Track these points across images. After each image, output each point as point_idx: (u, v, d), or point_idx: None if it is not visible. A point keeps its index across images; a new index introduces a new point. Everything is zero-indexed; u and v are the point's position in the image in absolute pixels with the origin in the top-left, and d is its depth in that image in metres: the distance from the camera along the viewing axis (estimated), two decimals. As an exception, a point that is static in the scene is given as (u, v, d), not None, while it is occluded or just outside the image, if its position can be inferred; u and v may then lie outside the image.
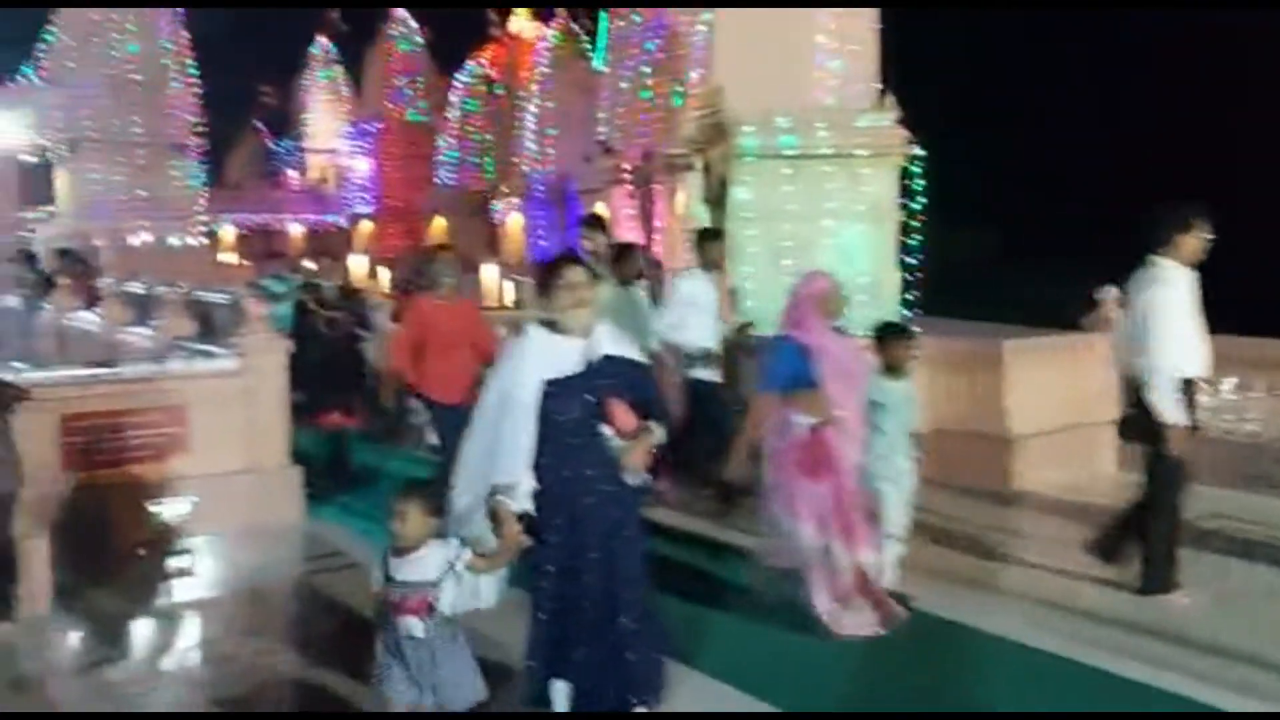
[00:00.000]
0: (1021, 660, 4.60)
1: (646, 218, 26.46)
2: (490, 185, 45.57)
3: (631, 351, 3.72)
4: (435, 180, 48.24)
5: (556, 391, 3.53)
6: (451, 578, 3.44)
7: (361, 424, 8.40)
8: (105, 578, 5.74)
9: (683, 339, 6.95)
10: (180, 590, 5.63)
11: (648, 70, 32.09)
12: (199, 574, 5.79)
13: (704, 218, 16.25)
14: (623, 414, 3.60)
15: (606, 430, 3.59)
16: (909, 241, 17.70)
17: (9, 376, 5.44)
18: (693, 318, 6.91)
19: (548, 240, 38.15)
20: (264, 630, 5.18)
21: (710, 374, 7.05)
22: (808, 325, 4.88)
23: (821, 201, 17.53)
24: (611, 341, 3.65)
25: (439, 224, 47.64)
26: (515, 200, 41.94)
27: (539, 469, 3.54)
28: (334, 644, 4.87)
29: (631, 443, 3.59)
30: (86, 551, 5.79)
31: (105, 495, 6.08)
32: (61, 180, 35.53)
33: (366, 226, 50.70)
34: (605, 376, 3.60)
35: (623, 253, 7.30)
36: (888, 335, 5.30)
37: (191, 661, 4.89)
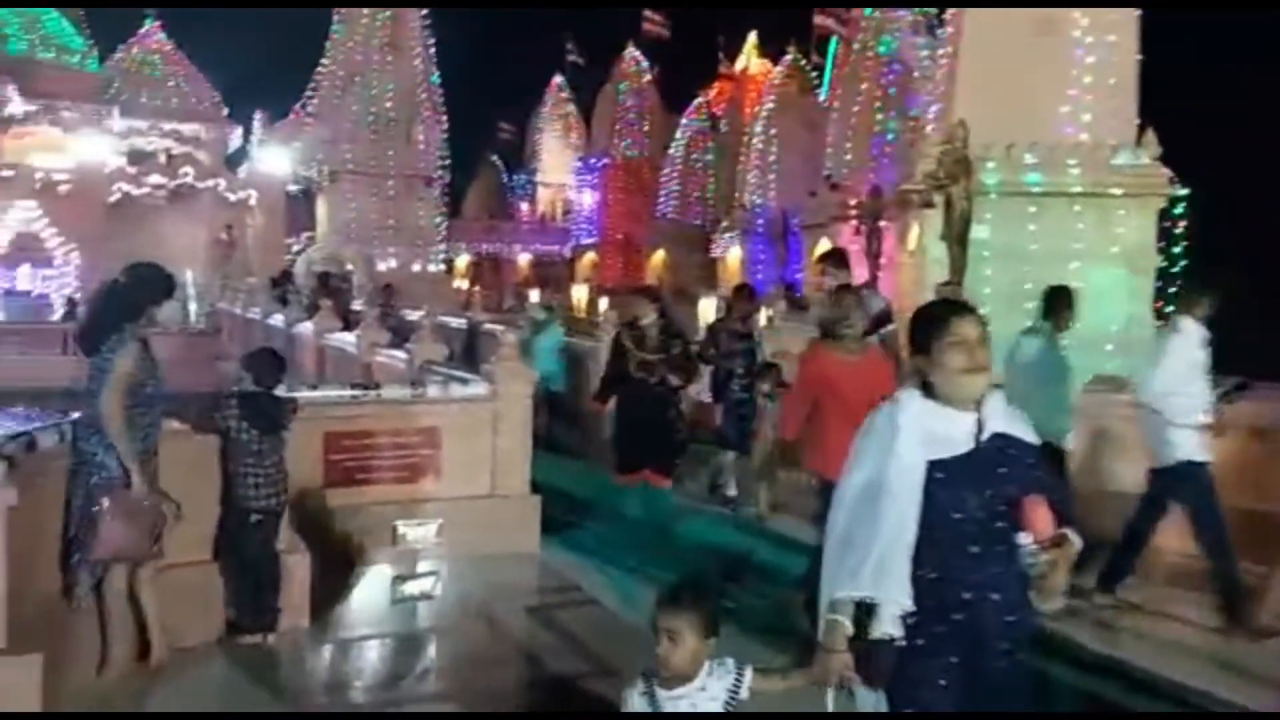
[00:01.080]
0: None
1: (873, 255, 25.82)
2: (711, 220, 45.99)
3: (1026, 430, 2.89)
4: (657, 214, 49.21)
5: (949, 479, 2.74)
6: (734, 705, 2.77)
7: (672, 483, 7.22)
8: (358, 594, 5.95)
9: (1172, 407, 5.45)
10: (423, 612, 5.74)
11: (879, 104, 31.54)
12: (440, 596, 5.89)
13: (940, 256, 15.63)
14: (1043, 516, 2.83)
15: (1023, 537, 2.83)
16: (1167, 289, 16.27)
17: (285, 394, 5.73)
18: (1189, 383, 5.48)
19: (766, 274, 37.97)
20: (498, 660, 5.18)
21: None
22: None
23: (1069, 242, 16.47)
24: (1004, 416, 2.85)
25: (658, 257, 48.47)
26: (735, 234, 42.09)
27: (919, 583, 2.70)
28: (561, 680, 4.81)
29: (1054, 556, 2.79)
30: (341, 567, 6.02)
31: (360, 513, 6.32)
32: (322, 209, 38.81)
33: (589, 258, 52.32)
34: (1006, 463, 2.79)
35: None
36: None
37: (429, 685, 4.95)
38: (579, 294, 45.88)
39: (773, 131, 40.83)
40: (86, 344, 4.56)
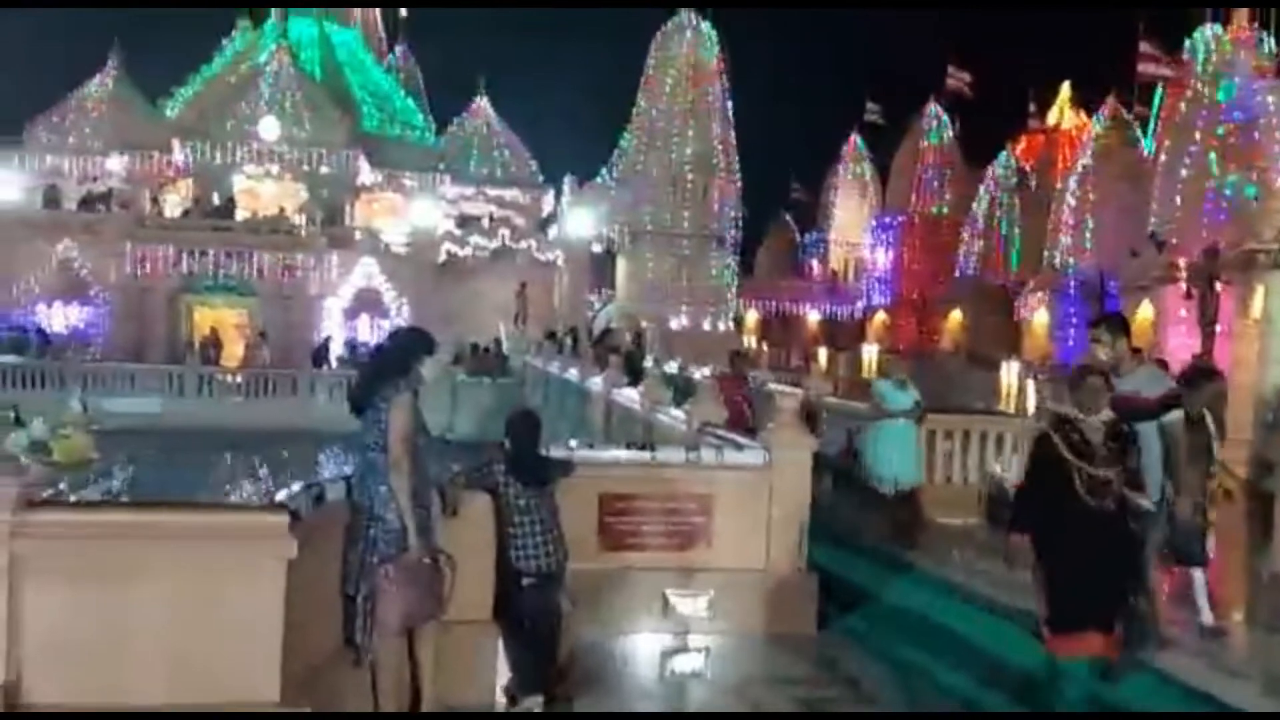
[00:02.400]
0: None
1: (1207, 322, 23.06)
2: (1015, 280, 43.40)
3: None
4: (956, 273, 47.17)
5: None
6: None
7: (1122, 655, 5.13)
8: (627, 665, 5.81)
9: None
10: (692, 692, 5.51)
11: (1215, 155, 28.49)
12: (709, 677, 5.63)
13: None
14: None
15: None
16: None
17: (563, 454, 5.76)
18: None
19: (1078, 340, 35.11)
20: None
21: None
22: None
23: None
24: None
25: (955, 318, 46.33)
26: (1043, 295, 39.38)
27: None
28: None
29: None
30: (613, 633, 5.92)
31: (631, 578, 6.22)
32: (621, 267, 40.54)
33: (880, 318, 50.94)
34: None
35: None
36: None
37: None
38: (869, 354, 44.67)
39: (1089, 186, 38.07)
40: (357, 401, 4.69)
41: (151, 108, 39.16)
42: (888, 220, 51.01)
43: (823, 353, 42.99)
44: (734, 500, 6.49)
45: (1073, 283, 37.41)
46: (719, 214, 40.71)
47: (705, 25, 40.24)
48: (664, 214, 39.55)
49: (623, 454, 6.55)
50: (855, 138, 55.27)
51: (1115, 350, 5.48)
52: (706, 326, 39.63)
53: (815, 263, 56.24)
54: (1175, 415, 5.51)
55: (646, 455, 6.50)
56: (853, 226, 54.25)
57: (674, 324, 38.35)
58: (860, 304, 52.13)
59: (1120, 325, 5.68)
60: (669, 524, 6.37)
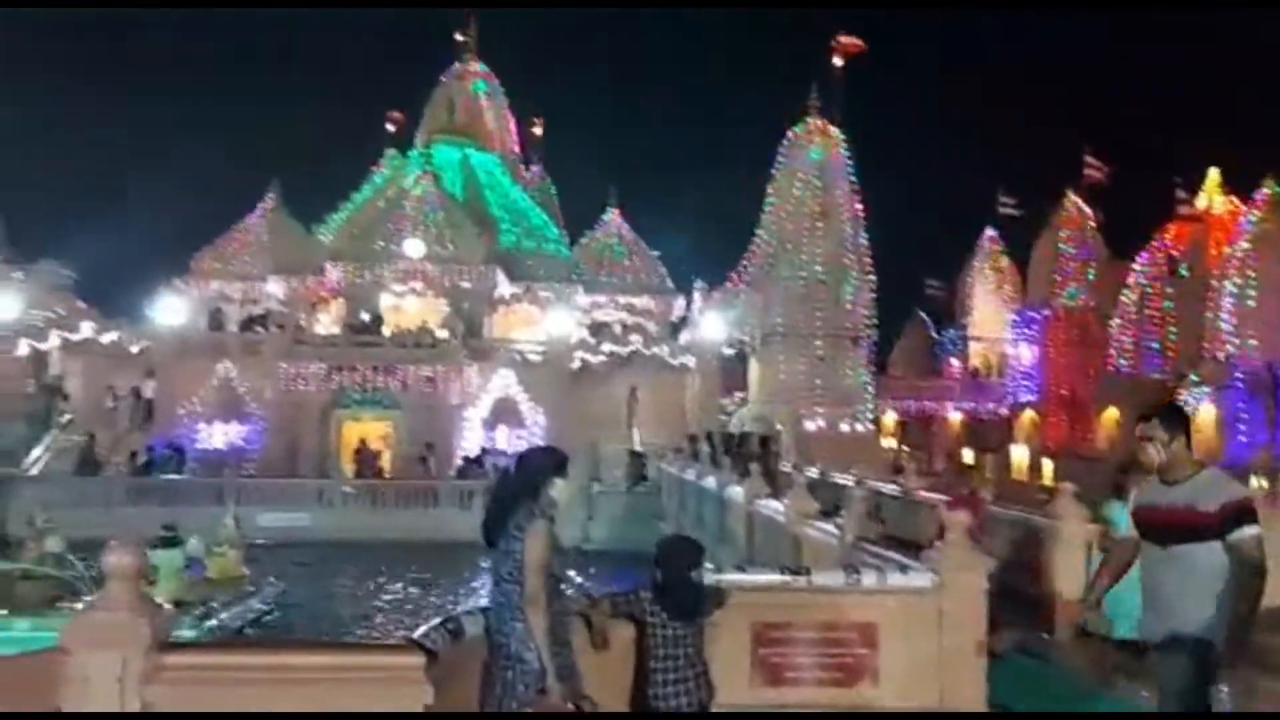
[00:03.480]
0: None
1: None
2: (1174, 373, 40.91)
3: None
4: (1108, 368, 44.86)
5: None
6: None
7: None
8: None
9: None
10: None
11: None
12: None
13: None
14: None
15: None
16: None
17: (711, 580, 5.35)
18: None
19: (1251, 435, 32.63)
20: None
21: None
22: None
23: None
24: None
25: (1111, 415, 43.83)
26: (1208, 390, 36.92)
27: None
28: None
29: None
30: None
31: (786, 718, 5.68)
32: (754, 370, 40.13)
33: (1029, 416, 48.69)
34: None
35: None
36: None
37: None
38: (1019, 455, 42.56)
39: (1250, 273, 35.96)
40: (491, 532, 4.38)
41: (306, 233, 41.62)
42: (1030, 314, 49.20)
43: (967, 454, 41.19)
44: (900, 629, 5.91)
45: (1239, 375, 35.01)
46: (852, 313, 40.04)
47: (834, 129, 40.39)
48: (796, 315, 39.15)
49: (776, 577, 6.07)
50: (990, 231, 54.04)
51: (1170, 451, 4.38)
52: (844, 428, 38.59)
53: (954, 360, 54.53)
54: (1251, 532, 4.15)
55: (803, 580, 6.01)
56: (992, 321, 52.55)
57: (810, 426, 37.50)
58: (1005, 402, 50.02)
59: (1178, 420, 4.52)
60: (829, 656, 5.82)
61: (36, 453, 29.17)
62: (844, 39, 40.68)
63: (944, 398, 51.59)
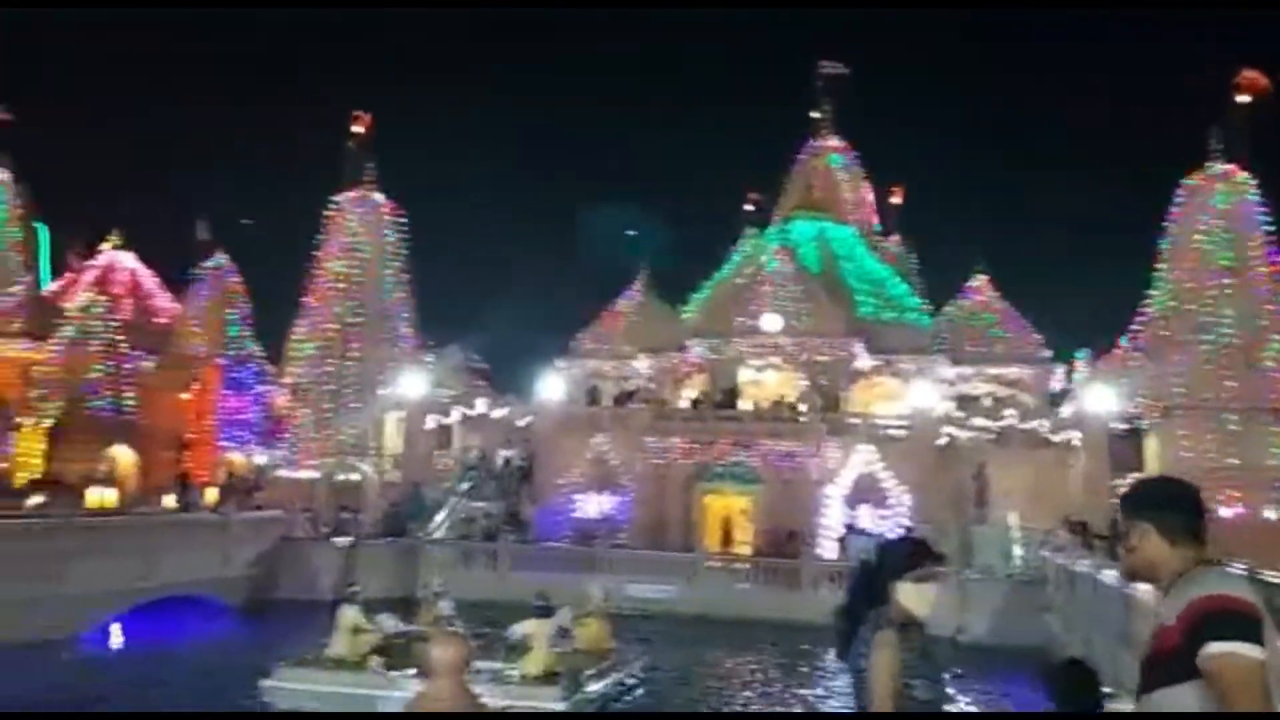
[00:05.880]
0: None
1: None
2: None
3: None
4: None
5: None
6: None
7: None
8: None
9: None
10: None
11: None
12: None
13: None
14: None
15: None
16: None
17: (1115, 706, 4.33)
18: None
19: None
20: None
21: None
22: None
23: None
24: None
25: None
26: None
27: None
28: None
29: None
30: None
31: None
32: (1150, 447, 35.69)
33: None
34: None
35: None
36: None
37: None
38: None
39: None
40: (840, 647, 3.71)
41: (672, 311, 43.49)
42: None
43: None
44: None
45: None
46: (1274, 382, 34.52)
47: (1242, 173, 35.65)
48: (1202, 385, 34.42)
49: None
50: None
51: (1144, 549, 2.81)
52: (1270, 515, 33.02)
53: None
54: (1224, 649, 2.45)
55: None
56: None
57: (1224, 513, 32.48)
58: None
59: (1159, 501, 2.85)
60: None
61: (439, 518, 32.45)
62: (1249, 74, 35.97)
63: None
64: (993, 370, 40.80)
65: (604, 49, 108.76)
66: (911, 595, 3.57)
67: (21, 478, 37.72)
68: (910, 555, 3.71)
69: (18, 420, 40.76)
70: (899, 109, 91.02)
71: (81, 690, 17.23)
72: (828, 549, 29.20)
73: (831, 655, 20.41)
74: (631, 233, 55.65)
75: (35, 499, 28.19)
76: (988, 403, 37.80)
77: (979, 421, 33.84)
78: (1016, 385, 40.20)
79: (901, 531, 29.56)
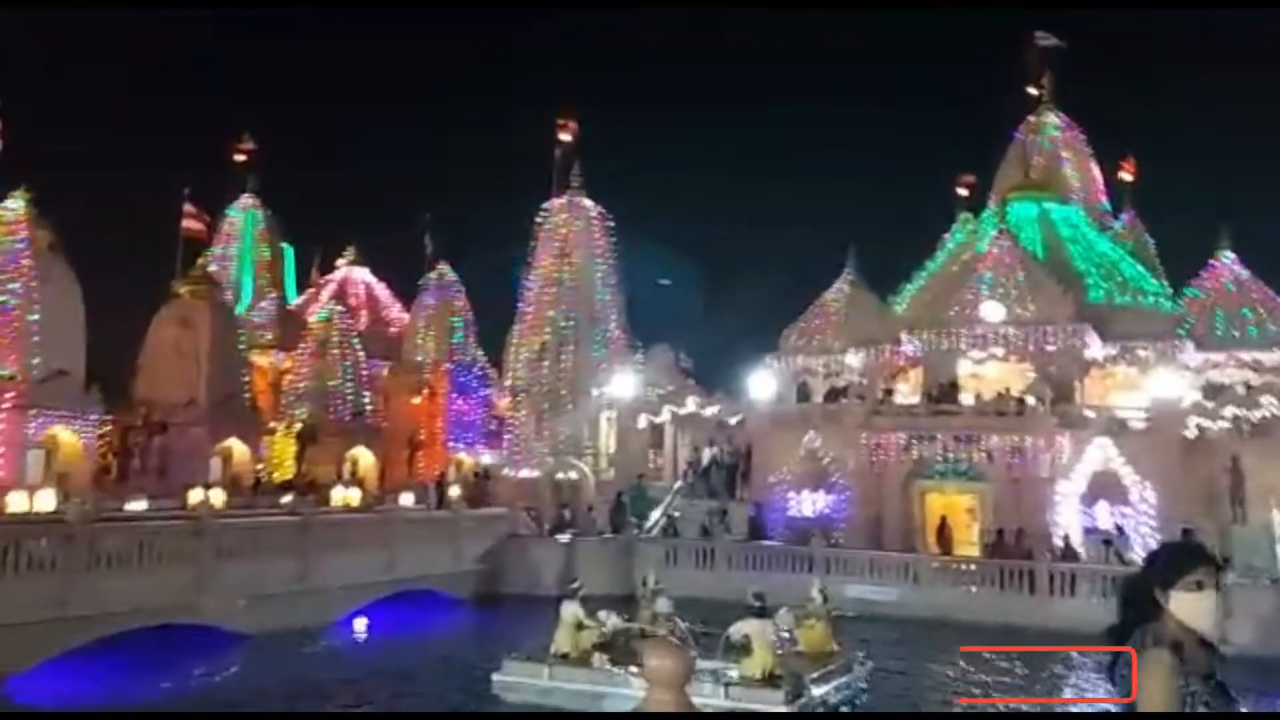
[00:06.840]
0: None
1: None
2: None
3: None
4: None
5: None
6: None
7: None
8: None
9: None
10: None
11: None
12: None
13: None
14: None
15: None
16: None
17: None
18: None
19: None
20: None
21: None
22: None
23: None
24: None
25: None
26: None
27: None
28: None
29: None
30: None
31: None
32: None
33: None
34: None
35: None
36: None
37: None
38: None
39: None
40: (1110, 669, 3.24)
41: (882, 304, 42.15)
42: None
43: None
44: None
45: None
46: None
47: None
48: None
49: None
50: None
51: None
52: None
53: None
54: None
55: None
56: None
57: None
58: None
59: None
60: None
61: (654, 516, 32.84)
62: None
63: None
64: (1245, 355, 37.26)
65: (804, 39, 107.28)
66: (1185, 606, 3.12)
67: (277, 478, 41.27)
68: (1182, 559, 3.23)
69: (271, 425, 44.64)
70: (1125, 81, 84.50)
71: (339, 674, 18.77)
72: (1070, 550, 27.40)
73: (1062, 665, 19.10)
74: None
75: (287, 498, 30.77)
76: (1241, 390, 34.39)
77: (1231, 411, 30.79)
78: (1273, 371, 36.50)
79: (1156, 535, 27.34)
